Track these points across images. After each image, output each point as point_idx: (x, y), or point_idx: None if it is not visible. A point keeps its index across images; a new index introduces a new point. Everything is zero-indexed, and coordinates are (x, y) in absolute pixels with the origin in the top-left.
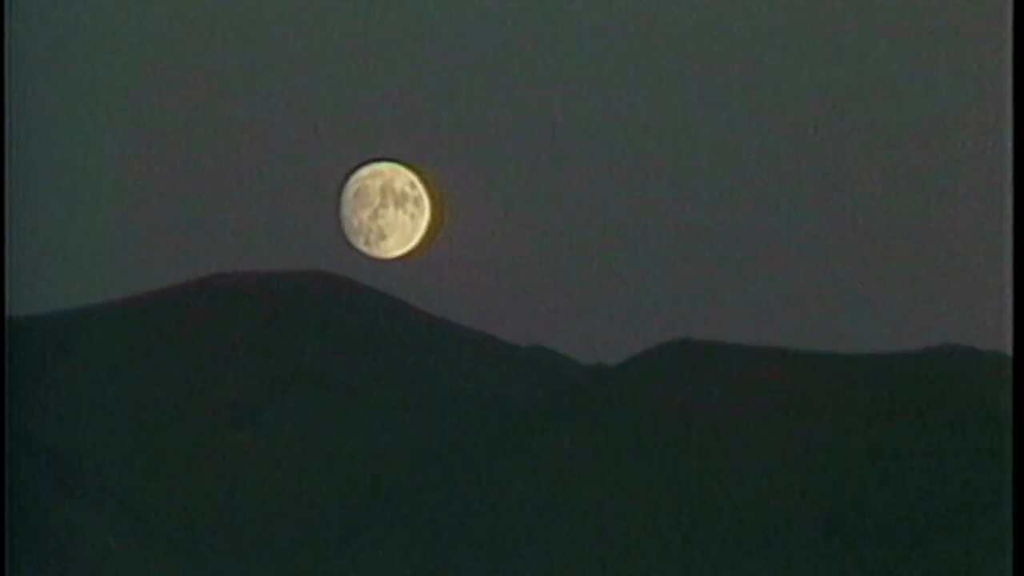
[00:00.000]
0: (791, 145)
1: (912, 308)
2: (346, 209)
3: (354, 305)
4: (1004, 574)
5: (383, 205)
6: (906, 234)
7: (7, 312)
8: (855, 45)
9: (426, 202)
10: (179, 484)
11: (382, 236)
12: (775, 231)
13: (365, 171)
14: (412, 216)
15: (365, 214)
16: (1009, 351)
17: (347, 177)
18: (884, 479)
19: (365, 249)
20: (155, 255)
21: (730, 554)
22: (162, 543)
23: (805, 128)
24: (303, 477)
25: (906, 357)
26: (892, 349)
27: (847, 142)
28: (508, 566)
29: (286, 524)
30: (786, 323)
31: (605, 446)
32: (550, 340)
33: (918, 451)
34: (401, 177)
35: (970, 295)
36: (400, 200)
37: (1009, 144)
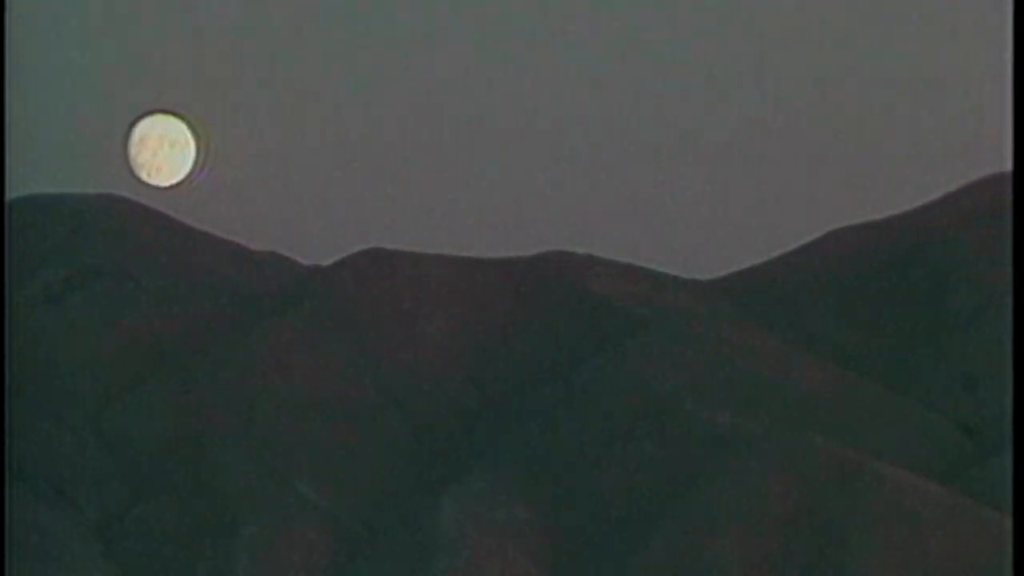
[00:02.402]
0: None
1: (524, 215)
2: (132, 150)
3: (136, 219)
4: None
5: (160, 147)
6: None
7: None
8: None
9: (192, 145)
10: (9, 342)
11: (159, 170)
12: (451, 154)
13: (147, 120)
14: (183, 155)
15: (147, 154)
16: None
17: (133, 125)
18: (512, 356)
19: (146, 179)
20: None
21: (400, 416)
22: None
23: None
24: (96, 341)
25: (524, 260)
26: (519, 254)
27: None
28: (247, 413)
29: (80, 375)
30: (454, 231)
31: (316, 325)
32: (280, 246)
33: (535, 335)
34: (175, 125)
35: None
36: (173, 143)
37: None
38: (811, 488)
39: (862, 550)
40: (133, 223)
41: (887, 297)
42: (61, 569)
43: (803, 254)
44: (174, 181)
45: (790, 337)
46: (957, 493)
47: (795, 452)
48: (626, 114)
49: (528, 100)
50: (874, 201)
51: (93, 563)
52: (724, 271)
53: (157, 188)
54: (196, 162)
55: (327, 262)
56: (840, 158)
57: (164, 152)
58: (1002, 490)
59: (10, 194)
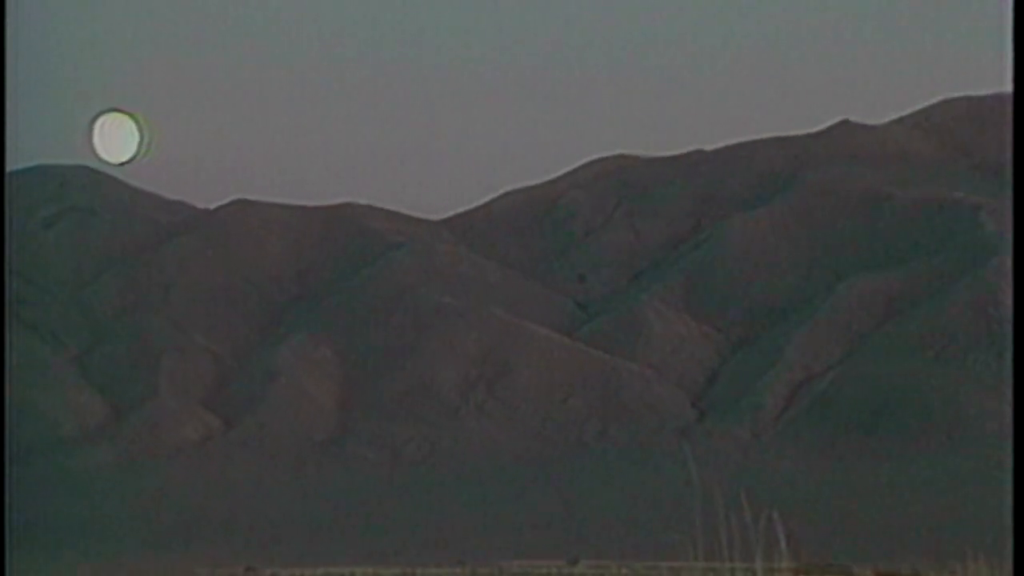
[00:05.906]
0: None
1: (329, 179)
2: (96, 138)
3: (98, 180)
4: None
5: (117, 136)
6: None
7: None
8: None
9: (137, 134)
10: (20, 254)
11: (116, 150)
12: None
13: (105, 117)
14: (130, 140)
15: (107, 140)
16: None
17: (94, 120)
18: (322, 264)
19: (106, 157)
20: None
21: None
22: None
23: None
24: (73, 251)
25: (329, 206)
26: (326, 203)
27: None
28: (164, 294)
29: (64, 269)
30: (288, 188)
31: (205, 245)
32: (184, 196)
33: (335, 252)
34: (126, 120)
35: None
36: (124, 132)
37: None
38: (492, 341)
39: (520, 377)
40: (96, 182)
41: (535, 230)
42: (51, 380)
43: (488, 206)
44: (126, 159)
45: (483, 253)
46: (575, 341)
47: (484, 321)
48: (384, 112)
49: (344, 101)
50: (528, 171)
51: (71, 379)
52: (446, 214)
53: (113, 163)
54: (140, 144)
55: (212, 206)
56: (515, 140)
57: (119, 138)
58: (603, 340)
59: (22, 164)
